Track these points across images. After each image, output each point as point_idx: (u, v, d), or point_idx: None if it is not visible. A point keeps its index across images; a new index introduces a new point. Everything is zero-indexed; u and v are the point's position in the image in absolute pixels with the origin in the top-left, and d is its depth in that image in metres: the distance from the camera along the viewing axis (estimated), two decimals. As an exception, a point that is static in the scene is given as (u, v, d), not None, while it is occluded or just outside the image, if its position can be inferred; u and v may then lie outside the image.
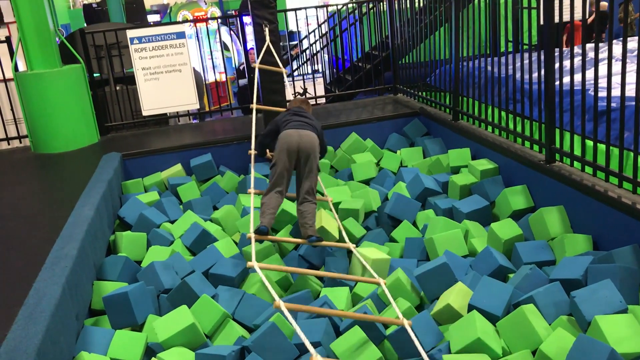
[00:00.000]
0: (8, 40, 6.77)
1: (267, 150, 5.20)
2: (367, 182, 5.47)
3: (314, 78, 7.88)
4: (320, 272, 3.88)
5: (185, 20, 13.01)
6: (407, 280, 3.67)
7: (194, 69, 8.66)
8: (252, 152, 4.97)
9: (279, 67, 5.68)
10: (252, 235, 3.93)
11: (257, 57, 5.64)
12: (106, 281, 3.91)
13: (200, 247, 4.46)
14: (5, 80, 6.72)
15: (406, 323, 3.12)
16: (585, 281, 3.25)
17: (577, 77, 4.55)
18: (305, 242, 4.13)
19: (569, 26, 8.00)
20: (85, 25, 13.36)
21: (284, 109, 5.17)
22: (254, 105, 5.31)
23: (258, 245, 4.36)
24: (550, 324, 3.11)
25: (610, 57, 3.61)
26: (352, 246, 4.17)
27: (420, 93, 6.67)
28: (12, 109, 6.86)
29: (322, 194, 4.92)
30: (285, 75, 5.79)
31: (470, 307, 3.26)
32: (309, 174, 4.22)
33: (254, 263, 3.53)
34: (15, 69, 6.42)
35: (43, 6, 6.04)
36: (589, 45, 5.49)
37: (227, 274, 3.96)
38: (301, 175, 4.28)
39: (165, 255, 4.32)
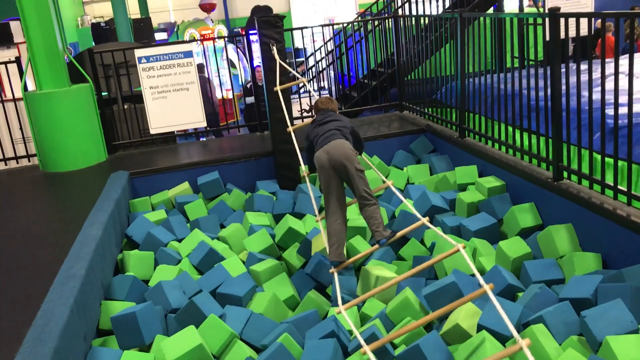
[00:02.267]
0: (18, 60, 6.85)
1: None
2: (374, 199, 5.45)
3: (320, 95, 7.90)
4: (402, 276, 3.65)
5: (193, 39, 13.13)
6: (415, 299, 3.64)
7: (203, 77, 8.72)
8: (305, 172, 4.84)
9: (296, 79, 5.71)
10: (334, 270, 3.91)
11: (269, 81, 5.65)
12: (114, 301, 3.91)
13: (208, 265, 4.45)
14: (14, 100, 6.79)
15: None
16: (596, 300, 3.23)
17: (586, 93, 4.55)
18: (379, 248, 4.04)
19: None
20: (93, 43, 13.51)
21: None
22: (291, 128, 5.25)
23: (264, 264, 4.36)
24: (560, 344, 3.08)
25: (617, 72, 3.61)
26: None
27: (426, 110, 6.69)
28: (21, 128, 6.92)
29: (383, 182, 4.82)
30: (307, 83, 5.82)
31: (480, 327, 3.23)
32: (353, 181, 4.07)
33: (341, 309, 3.45)
34: (25, 88, 6.48)
35: (52, 27, 6.12)
36: (596, 61, 5.49)
37: (234, 293, 3.95)
38: (348, 184, 4.17)
39: (172, 274, 4.32)
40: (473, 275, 4.02)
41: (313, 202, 4.60)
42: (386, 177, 5.82)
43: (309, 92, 7.32)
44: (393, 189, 4.53)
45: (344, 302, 3.80)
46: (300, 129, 5.45)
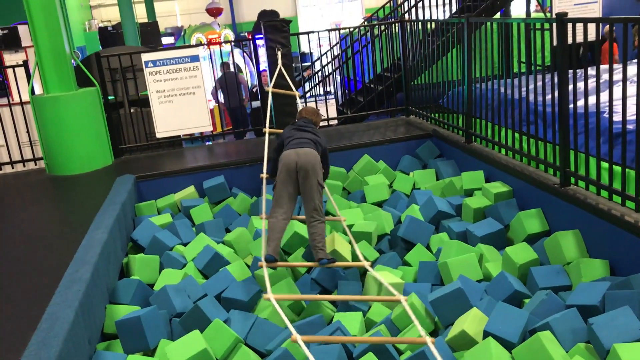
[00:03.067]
0: (25, 64, 6.88)
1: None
2: (379, 204, 5.45)
3: (326, 99, 7.91)
4: (334, 297, 3.84)
5: (200, 44, 13.16)
6: (421, 305, 3.63)
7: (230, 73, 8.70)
8: (264, 175, 4.93)
9: (291, 90, 5.71)
10: (264, 264, 3.92)
11: (270, 81, 5.68)
12: (119, 304, 3.91)
13: (213, 270, 4.45)
14: (22, 103, 6.82)
15: (429, 341, 3.04)
16: (603, 307, 3.20)
17: (592, 99, 4.53)
18: (318, 265, 4.10)
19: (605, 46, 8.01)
20: (100, 47, 13.57)
21: None
22: (267, 130, 5.32)
23: (270, 270, 4.34)
24: (567, 352, 3.05)
25: (625, 78, 3.59)
26: (367, 264, 4.11)
27: (432, 115, 6.67)
28: (28, 132, 6.95)
29: (334, 215, 4.89)
30: (297, 98, 5.82)
31: (486, 334, 3.21)
32: (310, 192, 4.13)
33: (269, 296, 3.49)
34: (32, 92, 6.51)
35: (60, 31, 6.14)
36: (604, 67, 5.46)
37: (239, 297, 3.95)
38: (304, 194, 4.19)
39: (177, 278, 4.32)
40: (480, 281, 4.01)
41: (264, 203, 4.60)
42: (392, 183, 5.82)
43: (315, 96, 7.31)
44: (344, 225, 4.63)
45: (351, 307, 3.79)
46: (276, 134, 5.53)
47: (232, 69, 9.64)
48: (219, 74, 10.49)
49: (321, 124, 5.00)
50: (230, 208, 5.49)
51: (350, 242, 4.55)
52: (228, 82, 9.63)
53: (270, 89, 5.58)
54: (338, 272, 4.22)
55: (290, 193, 4.18)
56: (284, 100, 5.76)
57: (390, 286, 3.70)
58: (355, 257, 4.41)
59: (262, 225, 4.30)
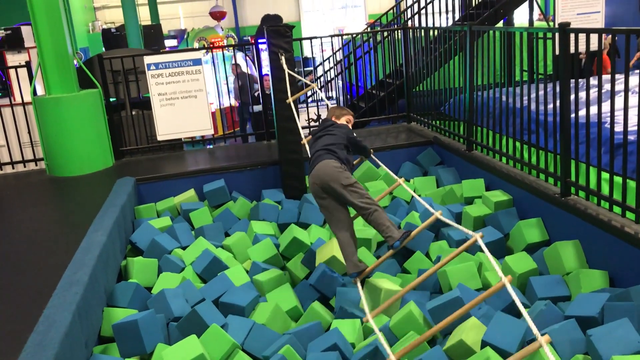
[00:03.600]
0: (28, 64, 6.89)
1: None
2: (379, 211, 5.43)
3: (327, 105, 7.90)
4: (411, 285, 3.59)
5: (203, 47, 13.19)
6: (419, 313, 3.61)
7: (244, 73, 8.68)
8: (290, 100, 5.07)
9: (305, 87, 5.70)
10: (357, 281, 3.90)
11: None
12: (116, 308, 3.90)
13: (211, 274, 4.44)
14: (23, 104, 6.83)
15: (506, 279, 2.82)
16: (602, 319, 3.19)
17: (593, 109, 4.53)
18: (394, 252, 3.94)
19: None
20: (104, 49, 13.58)
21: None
22: (305, 140, 5.14)
23: (268, 274, 4.34)
24: (565, 363, 3.04)
25: (627, 89, 3.59)
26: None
27: (433, 122, 6.67)
28: (29, 132, 6.95)
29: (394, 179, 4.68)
30: (317, 88, 5.79)
31: (484, 344, 3.19)
32: (343, 198, 4.01)
33: (369, 318, 3.44)
34: (34, 93, 6.51)
35: (63, 32, 6.15)
36: (605, 77, 5.46)
37: (237, 303, 3.93)
38: (343, 202, 4.07)
39: (175, 282, 4.31)
40: (479, 289, 3.99)
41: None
42: (391, 190, 5.79)
43: (317, 101, 7.30)
44: (404, 185, 4.45)
45: (349, 314, 3.78)
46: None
47: (244, 70, 9.63)
48: (222, 77, 10.49)
49: (343, 107, 4.84)
50: (230, 212, 5.48)
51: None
52: (241, 82, 9.64)
53: (290, 99, 5.51)
54: (337, 279, 4.21)
55: (332, 209, 4.07)
56: (284, 105, 5.75)
57: (461, 227, 3.55)
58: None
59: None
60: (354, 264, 3.93)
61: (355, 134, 4.45)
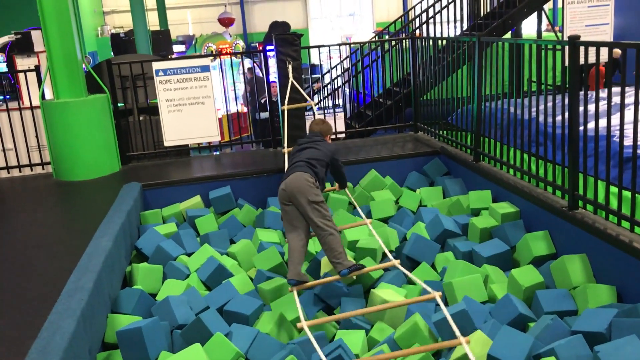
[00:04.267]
0: (37, 68, 6.93)
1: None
2: (385, 220, 5.42)
3: (334, 112, 7.91)
4: (366, 310, 3.69)
5: (211, 53, 13.23)
6: (424, 325, 3.59)
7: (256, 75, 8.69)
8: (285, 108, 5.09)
9: (305, 101, 5.72)
10: (294, 290, 3.90)
11: (284, 98, 5.67)
12: (121, 314, 3.89)
13: (216, 282, 4.43)
14: (32, 108, 6.86)
15: (464, 341, 2.95)
16: (610, 335, 3.16)
17: (602, 122, 4.50)
18: (341, 279, 4.02)
19: (593, 71, 7.98)
20: (112, 53, 13.64)
21: None
22: (285, 150, 5.27)
23: (273, 282, 4.32)
24: (572, 379, 3.01)
25: (637, 102, 3.56)
26: (396, 262, 4.06)
27: (441, 132, 6.65)
28: (37, 136, 6.98)
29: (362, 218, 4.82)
30: (314, 106, 5.83)
31: (489, 358, 3.17)
32: (305, 212, 4.05)
33: (303, 324, 3.44)
34: (43, 97, 6.54)
35: (72, 37, 6.18)
36: (615, 90, 5.44)
37: (241, 311, 3.92)
38: (305, 216, 4.10)
39: (180, 289, 4.30)
40: (485, 302, 3.97)
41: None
42: (398, 199, 5.79)
43: (324, 108, 7.32)
44: (370, 227, 4.56)
45: (354, 324, 3.76)
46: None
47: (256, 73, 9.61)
48: (229, 83, 10.51)
49: (325, 121, 4.89)
50: (236, 219, 5.48)
51: (354, 259, 4.52)
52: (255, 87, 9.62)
53: (285, 107, 5.55)
54: (342, 289, 4.19)
55: (293, 216, 4.13)
56: (293, 113, 5.76)
57: (420, 281, 3.68)
58: (360, 275, 4.38)
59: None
60: (297, 272, 3.97)
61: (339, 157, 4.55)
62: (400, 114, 7.99)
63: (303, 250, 4.09)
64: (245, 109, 12.15)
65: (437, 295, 3.50)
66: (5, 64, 10.34)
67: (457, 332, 3.09)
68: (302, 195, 4.04)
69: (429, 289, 3.60)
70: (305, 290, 4.16)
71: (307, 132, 4.75)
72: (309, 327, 3.45)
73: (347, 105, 9.70)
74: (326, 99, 10.08)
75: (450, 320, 3.21)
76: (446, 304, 4.08)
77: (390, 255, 4.18)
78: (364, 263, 4.41)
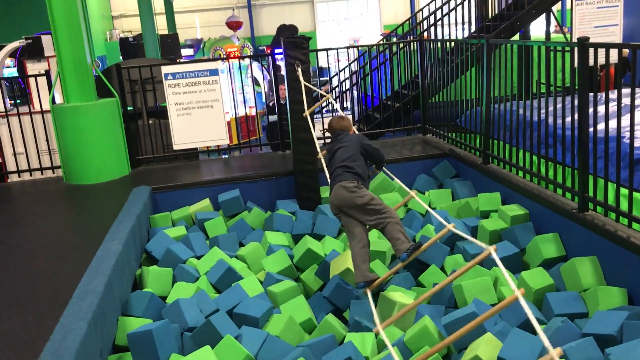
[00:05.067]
0: (47, 73, 6.98)
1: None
2: (394, 223, 5.41)
3: (342, 115, 7.91)
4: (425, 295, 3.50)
5: (219, 57, 13.28)
6: (434, 328, 3.58)
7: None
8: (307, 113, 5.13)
9: (320, 98, 5.70)
10: (367, 291, 3.88)
11: (296, 102, 5.66)
12: (131, 317, 3.91)
13: (225, 284, 4.44)
14: (42, 112, 6.91)
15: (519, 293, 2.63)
16: (621, 338, 3.14)
17: (612, 123, 4.48)
18: (403, 264, 3.96)
19: (603, 72, 7.95)
20: (121, 57, 13.73)
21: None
22: (321, 155, 5.09)
23: (282, 285, 4.33)
24: (583, 382, 3.00)
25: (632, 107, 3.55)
26: (450, 226, 3.73)
27: (449, 134, 6.65)
28: (47, 140, 7.03)
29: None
30: (332, 99, 5.82)
31: (500, 360, 3.16)
32: (359, 217, 4.09)
33: (379, 329, 3.40)
34: (53, 101, 6.59)
35: (82, 42, 6.23)
36: (625, 91, 5.42)
37: (251, 314, 3.93)
38: (362, 220, 4.11)
39: (190, 291, 4.32)
40: (494, 304, 3.95)
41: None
42: (406, 202, 5.77)
43: (332, 111, 7.31)
44: (417, 198, 4.37)
45: (363, 327, 3.75)
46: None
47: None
48: (237, 86, 10.54)
49: (345, 117, 4.88)
50: (245, 222, 5.49)
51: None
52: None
53: (307, 112, 5.51)
54: (351, 292, 4.19)
55: (347, 222, 4.16)
56: (300, 116, 5.76)
57: (475, 241, 3.34)
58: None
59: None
60: (362, 274, 3.94)
61: (369, 141, 4.47)
62: (409, 117, 7.98)
63: (364, 251, 4.06)
64: (253, 112, 12.20)
65: (491, 249, 3.13)
66: (16, 68, 10.45)
67: (513, 285, 2.74)
68: (349, 205, 4.11)
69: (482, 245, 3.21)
70: (375, 290, 4.06)
71: (331, 131, 4.69)
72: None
73: (355, 108, 9.70)
74: (335, 101, 10.09)
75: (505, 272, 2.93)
76: (455, 307, 4.08)
77: (445, 222, 3.85)
78: (372, 266, 4.41)
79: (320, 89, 10.40)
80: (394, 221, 3.98)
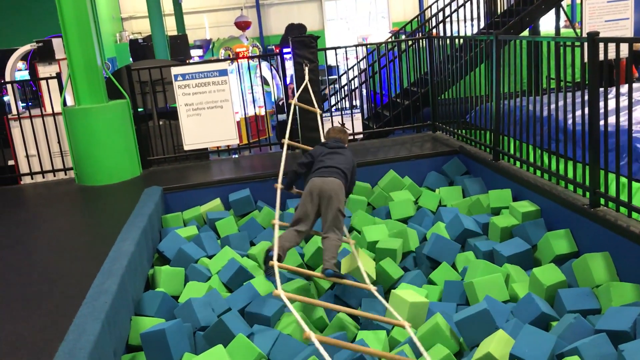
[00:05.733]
0: (58, 76, 7.04)
1: (293, 187, 5.14)
2: (404, 220, 5.41)
3: (352, 113, 7.92)
4: (347, 309, 3.76)
5: (228, 57, 13.32)
6: (446, 325, 3.58)
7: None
8: (279, 186, 4.97)
9: (314, 106, 5.73)
10: (275, 264, 3.92)
11: (295, 92, 5.72)
12: (144, 317, 3.94)
13: (237, 283, 4.46)
14: (54, 114, 6.97)
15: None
16: (634, 334, 3.12)
17: (623, 117, 4.44)
18: (322, 277, 4.08)
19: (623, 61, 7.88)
20: (131, 59, 13.81)
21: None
22: (286, 141, 5.36)
23: (293, 284, 4.34)
24: (596, 378, 2.99)
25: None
26: (372, 288, 4.07)
27: (459, 131, 6.62)
28: (59, 142, 7.09)
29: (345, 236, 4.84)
30: (319, 115, 5.83)
31: (512, 357, 3.15)
32: (329, 216, 4.22)
33: (280, 292, 3.49)
34: (64, 103, 6.65)
35: (93, 45, 6.28)
36: (636, 85, 5.38)
37: (263, 313, 3.94)
38: (324, 217, 4.29)
39: (202, 291, 4.34)
40: (506, 301, 3.95)
41: (277, 211, 4.60)
42: (417, 199, 5.78)
43: (341, 109, 7.32)
44: (352, 248, 4.51)
45: (375, 325, 3.76)
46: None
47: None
48: (247, 86, 10.57)
49: (347, 131, 5.12)
50: (255, 221, 5.51)
51: (374, 259, 4.53)
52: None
53: (294, 101, 5.61)
54: (362, 290, 4.20)
55: (309, 216, 4.27)
56: (309, 115, 5.79)
57: (392, 309, 3.75)
58: (380, 275, 4.40)
59: (275, 231, 4.26)
60: (277, 252, 4.00)
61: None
62: (418, 114, 7.97)
63: (295, 241, 4.22)
64: (263, 112, 12.21)
65: (406, 325, 3.59)
66: (28, 71, 10.54)
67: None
68: (338, 201, 4.25)
69: (399, 317, 3.67)
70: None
71: (327, 136, 4.89)
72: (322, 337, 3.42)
73: (365, 106, 9.70)
74: (344, 99, 10.09)
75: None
76: (467, 304, 4.07)
77: (368, 281, 4.13)
78: (383, 264, 4.43)
79: (329, 87, 10.41)
80: (338, 242, 4.20)
